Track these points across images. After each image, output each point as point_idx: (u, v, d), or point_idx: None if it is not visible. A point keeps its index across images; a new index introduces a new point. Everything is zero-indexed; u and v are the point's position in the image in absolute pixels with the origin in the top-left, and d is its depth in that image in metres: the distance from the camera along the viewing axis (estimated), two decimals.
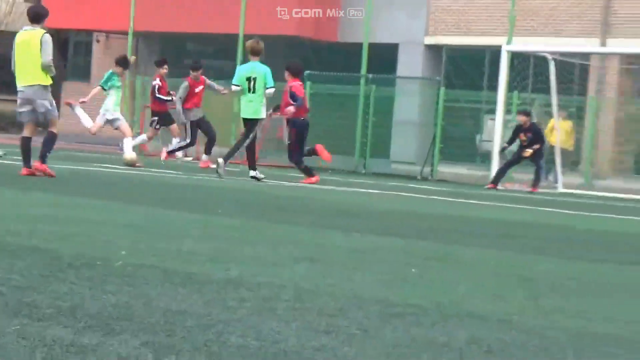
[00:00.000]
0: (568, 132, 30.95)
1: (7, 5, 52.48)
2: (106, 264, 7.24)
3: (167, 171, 22.36)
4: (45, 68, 17.13)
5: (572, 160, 32.06)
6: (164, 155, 26.15)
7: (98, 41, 46.60)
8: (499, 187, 26.30)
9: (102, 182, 19.09)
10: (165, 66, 27.42)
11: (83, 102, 25.15)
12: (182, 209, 13.34)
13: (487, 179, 28.20)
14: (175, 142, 26.61)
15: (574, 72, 34.81)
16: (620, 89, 36.74)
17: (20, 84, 17.34)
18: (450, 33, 39.31)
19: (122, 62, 24.81)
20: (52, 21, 37.28)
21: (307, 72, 31.79)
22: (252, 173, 20.79)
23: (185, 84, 26.15)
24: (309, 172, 22.07)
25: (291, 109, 21.40)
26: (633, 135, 35.32)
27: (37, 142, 17.48)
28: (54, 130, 17.68)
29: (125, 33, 39.15)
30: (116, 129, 24.10)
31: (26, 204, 12.98)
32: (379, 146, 33.60)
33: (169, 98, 26.22)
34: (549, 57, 29.60)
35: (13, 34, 21.87)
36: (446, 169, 30.93)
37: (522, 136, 26.75)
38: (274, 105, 22.88)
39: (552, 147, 29.47)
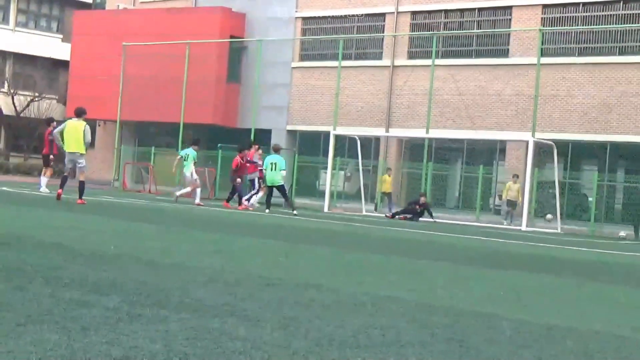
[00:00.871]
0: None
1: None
2: (101, 254, 8.14)
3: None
4: (85, 144, 20.19)
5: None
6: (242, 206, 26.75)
7: (99, 125, 50.00)
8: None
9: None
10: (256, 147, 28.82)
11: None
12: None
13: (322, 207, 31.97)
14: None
15: (371, 146, 39.57)
16: (396, 157, 40.25)
17: (68, 150, 20.27)
18: (301, 123, 43.30)
19: (197, 142, 28.52)
20: (71, 112, 42.61)
21: (219, 144, 37.74)
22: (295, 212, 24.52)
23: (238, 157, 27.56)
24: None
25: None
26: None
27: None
28: (83, 179, 20.31)
29: (115, 121, 43.47)
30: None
31: (59, 219, 14.43)
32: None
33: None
34: (357, 137, 34.86)
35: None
36: (300, 201, 32.87)
37: (418, 207, 29.87)
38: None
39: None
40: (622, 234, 29.55)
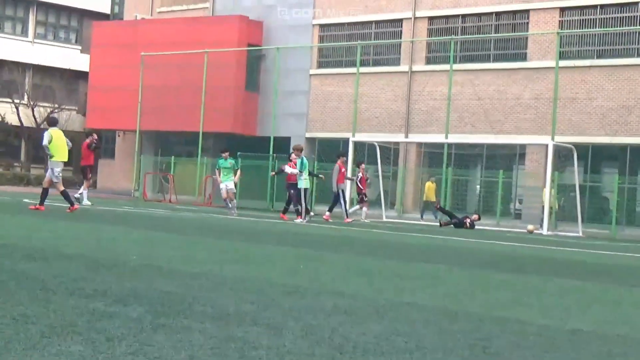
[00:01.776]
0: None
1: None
2: (124, 264, 8.27)
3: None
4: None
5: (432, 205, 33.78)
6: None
7: (119, 136, 50.51)
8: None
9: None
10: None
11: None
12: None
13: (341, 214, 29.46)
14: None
15: (390, 152, 39.35)
16: (416, 162, 40.66)
17: (64, 159, 20.20)
18: (320, 131, 43.31)
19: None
20: (94, 123, 43.37)
21: (238, 152, 37.62)
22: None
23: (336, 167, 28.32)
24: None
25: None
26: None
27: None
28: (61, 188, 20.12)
29: (135, 131, 44.05)
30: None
31: (81, 230, 14.51)
32: (280, 194, 36.21)
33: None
34: (376, 144, 34.53)
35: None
36: (320, 208, 32.84)
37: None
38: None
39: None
40: None
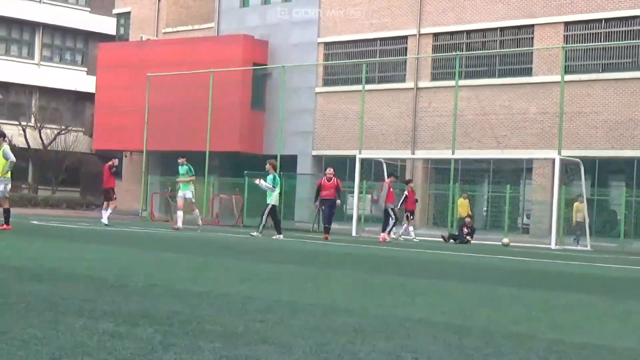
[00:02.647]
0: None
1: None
2: (132, 285, 8.16)
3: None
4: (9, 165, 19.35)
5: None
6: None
7: (126, 156, 50.69)
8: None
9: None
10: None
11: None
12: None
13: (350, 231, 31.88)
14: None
15: (397, 168, 39.09)
16: (423, 178, 40.85)
17: (6, 176, 19.63)
18: (326, 148, 43.67)
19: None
20: (101, 144, 43.20)
21: (245, 171, 37.42)
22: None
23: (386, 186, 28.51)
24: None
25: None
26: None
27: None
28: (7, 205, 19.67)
29: (141, 151, 44.25)
30: None
31: (89, 251, 14.56)
32: (287, 212, 37.48)
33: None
34: (382, 160, 35.08)
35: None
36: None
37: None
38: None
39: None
40: None
